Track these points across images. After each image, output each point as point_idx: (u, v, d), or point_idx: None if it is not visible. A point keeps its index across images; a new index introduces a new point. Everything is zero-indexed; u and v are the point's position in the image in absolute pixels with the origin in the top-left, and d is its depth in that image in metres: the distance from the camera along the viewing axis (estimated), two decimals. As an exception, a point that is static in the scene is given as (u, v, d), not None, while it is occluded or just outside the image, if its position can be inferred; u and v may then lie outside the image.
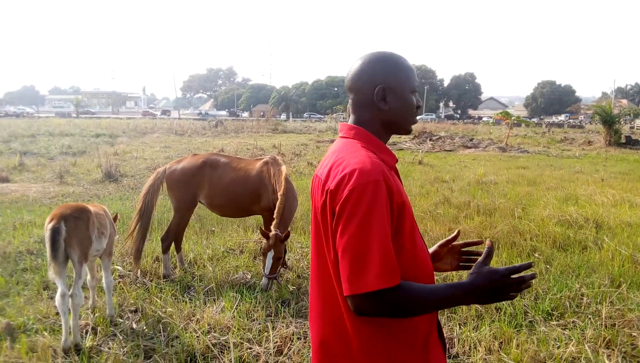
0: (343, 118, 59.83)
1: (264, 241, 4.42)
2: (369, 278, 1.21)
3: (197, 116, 72.45)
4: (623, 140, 24.95)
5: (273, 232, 4.37)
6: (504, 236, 6.49)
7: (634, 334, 3.73)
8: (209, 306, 4.09)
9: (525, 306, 4.25)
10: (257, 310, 4.02)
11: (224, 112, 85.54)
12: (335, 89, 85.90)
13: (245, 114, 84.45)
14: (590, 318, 3.98)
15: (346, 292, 1.25)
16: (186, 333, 3.64)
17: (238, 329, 3.66)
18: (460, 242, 1.70)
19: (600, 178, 12.37)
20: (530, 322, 4.01)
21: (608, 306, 4.15)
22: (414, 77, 1.50)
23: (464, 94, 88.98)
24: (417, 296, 1.28)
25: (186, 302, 4.22)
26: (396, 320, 1.34)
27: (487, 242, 1.40)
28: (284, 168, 4.76)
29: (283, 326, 3.78)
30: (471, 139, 25.63)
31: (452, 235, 1.67)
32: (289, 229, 4.47)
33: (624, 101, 76.99)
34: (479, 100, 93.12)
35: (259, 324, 3.77)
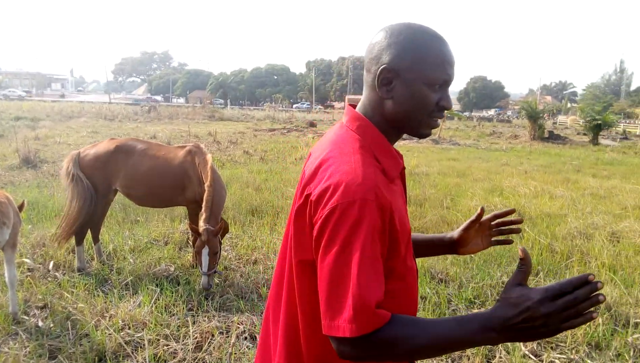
0: (283, 108, 59.49)
1: (197, 237, 4.16)
2: (341, 320, 0.97)
3: (129, 100, 69.40)
4: (546, 135, 26.40)
5: (204, 227, 4.14)
6: (433, 226, 6.62)
7: (548, 320, 3.88)
8: (125, 301, 3.85)
9: (449, 294, 4.33)
10: (178, 304, 3.83)
11: (158, 98, 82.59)
12: (275, 77, 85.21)
13: (181, 100, 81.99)
14: (509, 306, 4.10)
15: (323, 330, 1.02)
16: (97, 330, 3.40)
17: (155, 325, 3.47)
18: (488, 216, 1.45)
19: (524, 170, 12.97)
20: (453, 310, 4.09)
21: (526, 293, 4.30)
22: (442, 66, 1.13)
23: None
24: (402, 338, 0.99)
25: (100, 297, 3.95)
26: None
27: (520, 251, 1.01)
28: (209, 157, 4.54)
29: (205, 320, 3.62)
30: (406, 131, 26.15)
31: (476, 213, 1.42)
32: (224, 220, 4.26)
33: (549, 98, 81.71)
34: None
35: (179, 319, 3.59)
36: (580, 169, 13.88)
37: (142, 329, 3.40)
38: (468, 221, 1.45)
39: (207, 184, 4.32)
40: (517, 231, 1.42)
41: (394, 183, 1.15)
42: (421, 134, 1.20)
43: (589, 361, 3.26)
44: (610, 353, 3.38)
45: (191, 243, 4.34)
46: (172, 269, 4.62)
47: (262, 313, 3.82)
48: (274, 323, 1.26)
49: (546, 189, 9.74)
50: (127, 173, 4.60)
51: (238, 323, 3.54)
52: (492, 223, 1.45)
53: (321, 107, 66.34)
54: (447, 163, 14.09)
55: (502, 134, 29.46)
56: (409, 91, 1.12)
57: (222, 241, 4.39)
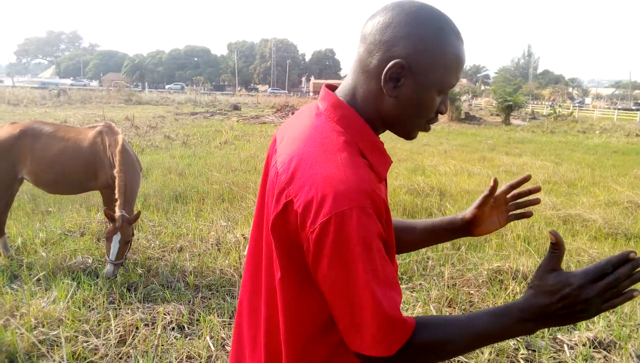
0: (204, 91, 57.83)
1: (109, 224, 3.91)
2: (365, 341, 0.88)
3: (36, 84, 64.35)
4: (463, 116, 27.67)
5: (119, 213, 3.89)
6: (360, 206, 6.71)
7: (471, 292, 4.05)
8: (38, 298, 3.55)
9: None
10: (98, 298, 3.59)
11: (68, 81, 77.24)
12: (195, 59, 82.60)
13: (94, 83, 77.33)
14: (434, 280, 4.25)
15: (352, 348, 0.91)
16: (7, 330, 3.11)
17: (72, 321, 3.22)
18: (503, 188, 1.27)
19: (444, 150, 13.50)
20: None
21: (450, 267, 4.47)
22: (458, 70, 0.98)
23: (325, 70, 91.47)
24: (438, 340, 0.91)
25: (9, 294, 3.62)
26: None
27: (552, 235, 0.92)
28: (120, 138, 4.21)
29: (128, 313, 3.42)
30: (331, 114, 26.37)
31: (490, 186, 1.25)
32: (137, 209, 4.03)
33: (464, 81, 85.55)
34: (338, 76, 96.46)
35: (99, 313, 3.36)
36: (494, 148, 14.68)
37: (58, 326, 3.15)
38: (481, 196, 1.28)
39: (116, 169, 4.04)
40: (537, 201, 1.25)
41: (382, 183, 1.01)
42: (411, 137, 1.08)
43: (509, 327, 3.44)
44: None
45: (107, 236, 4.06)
46: (90, 261, 4.33)
47: (189, 301, 3.68)
48: (250, 319, 1.14)
49: (464, 167, 10.20)
50: (34, 157, 4.21)
51: (164, 314, 3.38)
52: (508, 196, 1.29)
53: (244, 90, 64.99)
54: (372, 144, 14.36)
55: (422, 115, 30.47)
56: (419, 94, 0.97)
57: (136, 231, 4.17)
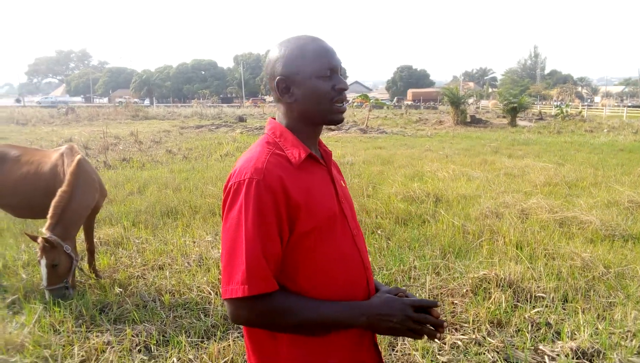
0: (211, 104, 58.13)
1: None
2: (234, 283, 1.16)
3: (46, 103, 65.16)
4: (469, 119, 27.43)
5: (46, 235, 3.74)
6: (352, 216, 6.58)
7: (455, 302, 3.92)
8: (7, 322, 3.49)
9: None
10: (68, 320, 3.52)
11: (78, 99, 78.19)
12: (203, 72, 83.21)
13: (105, 100, 78.19)
14: (418, 290, 4.12)
15: (222, 295, 1.22)
16: (-31, 358, 3.05)
17: (34, 346, 3.15)
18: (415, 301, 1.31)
19: (445, 154, 13.34)
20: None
21: (434, 277, 4.34)
22: (323, 59, 1.29)
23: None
24: (295, 308, 1.21)
25: (-21, 320, 3.56)
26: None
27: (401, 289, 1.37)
28: (77, 158, 4.09)
29: (99, 335, 3.35)
30: (335, 122, 26.30)
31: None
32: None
33: (471, 84, 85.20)
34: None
35: (63, 338, 3.29)
36: (497, 150, 14.47)
37: (19, 353, 3.09)
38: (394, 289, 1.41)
39: (62, 188, 3.92)
40: (440, 323, 1.29)
41: (303, 170, 1.28)
42: (333, 120, 1.33)
43: (489, 339, 3.30)
44: (511, 330, 3.45)
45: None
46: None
47: (162, 321, 3.59)
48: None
49: (464, 171, 10.04)
50: (0, 181, 4.17)
51: (132, 336, 3.30)
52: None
53: (249, 103, 65.11)
54: (373, 152, 14.25)
55: (427, 120, 30.32)
56: (305, 88, 1.28)
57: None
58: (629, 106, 45.83)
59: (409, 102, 65.21)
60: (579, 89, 77.26)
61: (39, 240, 3.71)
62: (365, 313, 1.23)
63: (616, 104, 57.72)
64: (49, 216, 3.87)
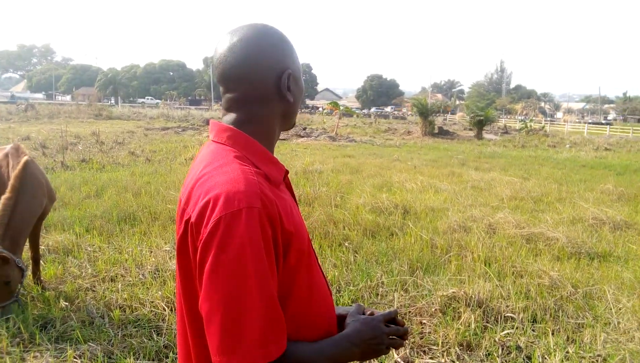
0: (178, 106, 57.16)
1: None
2: (247, 347, 0.88)
3: (5, 98, 62.65)
4: (436, 130, 27.74)
5: None
6: (319, 226, 6.40)
7: (424, 321, 3.77)
8: None
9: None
10: (4, 339, 3.19)
11: (40, 95, 75.57)
12: (171, 73, 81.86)
13: (68, 98, 75.87)
14: (385, 308, 3.95)
15: None
16: None
17: (-41, 371, 2.83)
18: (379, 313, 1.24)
19: (414, 165, 13.34)
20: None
21: (402, 294, 4.19)
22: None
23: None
24: (307, 358, 1.02)
25: None
26: None
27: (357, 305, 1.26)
28: (23, 160, 3.75)
29: (37, 355, 3.04)
30: (304, 128, 26.18)
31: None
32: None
33: (439, 95, 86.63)
34: (315, 90, 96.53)
35: (-6, 360, 2.97)
36: (465, 162, 14.58)
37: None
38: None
39: (5, 195, 3.55)
40: (405, 331, 1.24)
41: (280, 190, 1.09)
42: (294, 124, 1.22)
43: (459, 363, 3.16)
44: (481, 353, 3.32)
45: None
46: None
47: (109, 341, 3.30)
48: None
49: (432, 183, 10.00)
50: None
51: (74, 358, 3.01)
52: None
53: (219, 105, 64.48)
54: (342, 160, 14.14)
55: (396, 130, 30.50)
56: (300, 85, 1.15)
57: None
58: (589, 123, 47.41)
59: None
60: (542, 104, 79.55)
61: None
62: (354, 342, 1.10)
63: (577, 120, 59.69)
64: None
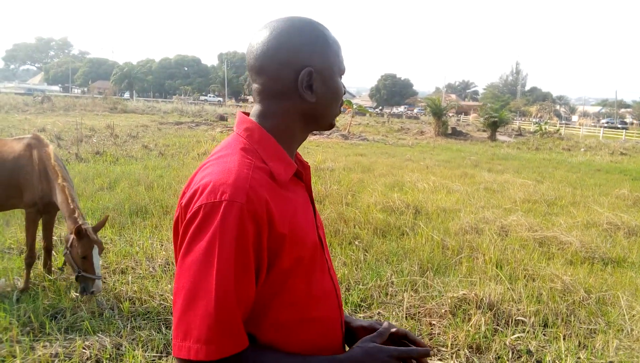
0: (192, 101, 57.47)
1: (79, 241, 3.51)
2: (192, 340, 0.88)
3: (21, 90, 63.41)
4: (450, 131, 27.57)
5: (85, 226, 3.56)
6: (330, 224, 6.38)
7: (433, 323, 3.74)
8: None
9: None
10: (14, 328, 3.21)
11: (56, 88, 76.40)
12: (186, 68, 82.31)
13: (80, 91, 76.62)
14: (395, 309, 3.93)
15: (173, 352, 0.92)
16: None
17: (-30, 359, 2.86)
18: (399, 332, 1.18)
19: (426, 165, 13.25)
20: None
21: (412, 295, 4.15)
22: (341, 53, 1.12)
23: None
24: None
25: None
26: None
27: (385, 323, 1.14)
28: (50, 149, 3.89)
29: (47, 345, 3.06)
30: (317, 126, 26.16)
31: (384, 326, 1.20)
32: (86, 221, 3.69)
33: (453, 96, 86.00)
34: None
35: (4, 348, 2.99)
36: (477, 164, 14.46)
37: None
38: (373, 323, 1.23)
39: (59, 181, 3.73)
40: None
41: (287, 189, 1.04)
42: (332, 125, 1.15)
43: (468, 366, 3.12)
44: (491, 356, 3.28)
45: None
46: (19, 283, 3.95)
47: (118, 332, 3.31)
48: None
49: (444, 184, 9.93)
50: None
51: (83, 348, 3.02)
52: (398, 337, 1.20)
53: (233, 101, 64.86)
54: (354, 159, 14.09)
55: (409, 130, 30.38)
56: (329, 87, 1.08)
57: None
58: (605, 125, 46.76)
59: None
60: (557, 107, 78.70)
61: (89, 230, 3.55)
62: None
63: (593, 124, 58.92)
64: (71, 207, 3.68)
